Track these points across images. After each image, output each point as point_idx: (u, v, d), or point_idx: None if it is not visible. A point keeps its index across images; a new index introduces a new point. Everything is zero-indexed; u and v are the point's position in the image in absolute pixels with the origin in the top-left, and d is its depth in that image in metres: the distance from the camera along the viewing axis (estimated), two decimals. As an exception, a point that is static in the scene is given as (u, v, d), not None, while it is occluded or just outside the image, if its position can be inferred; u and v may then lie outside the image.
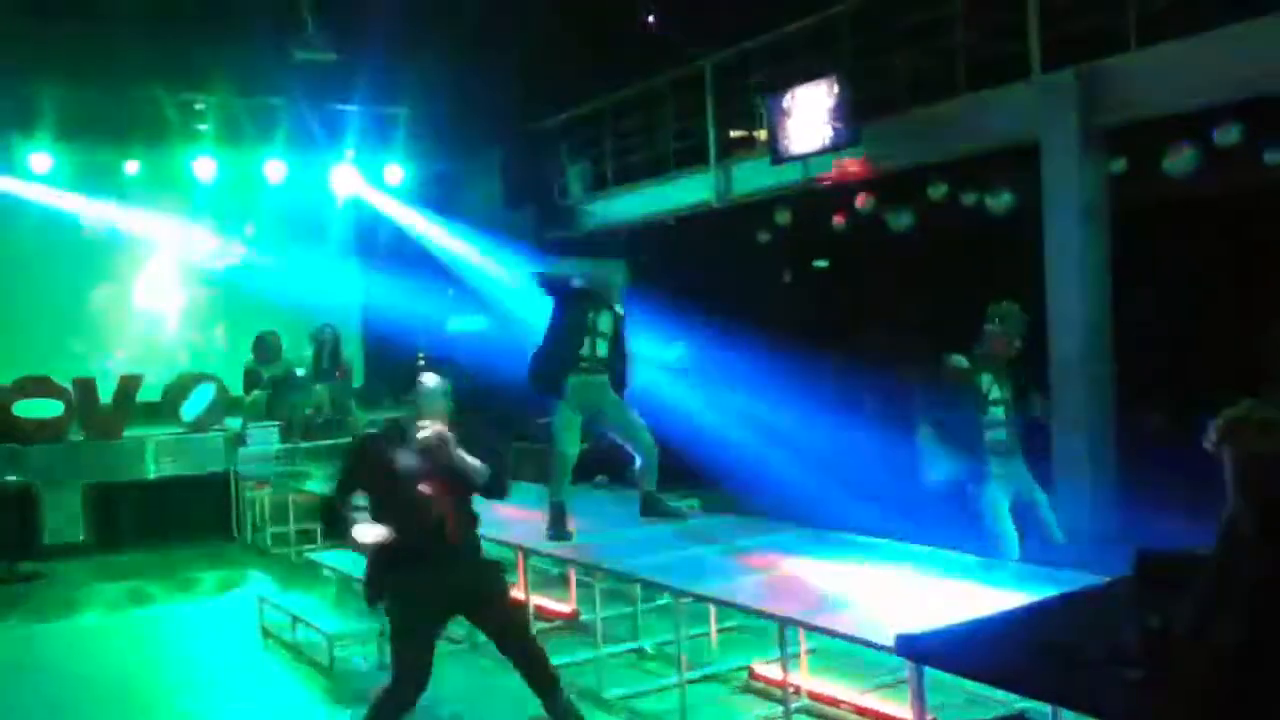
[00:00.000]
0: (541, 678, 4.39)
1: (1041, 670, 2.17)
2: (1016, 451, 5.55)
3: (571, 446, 6.02)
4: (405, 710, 4.23)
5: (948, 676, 3.66)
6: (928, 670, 3.29)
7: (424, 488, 4.29)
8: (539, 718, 4.45)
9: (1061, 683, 2.14)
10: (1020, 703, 4.09)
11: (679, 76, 10.85)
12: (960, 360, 5.52)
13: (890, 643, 2.99)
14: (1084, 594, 2.87)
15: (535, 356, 6.03)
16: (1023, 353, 5.68)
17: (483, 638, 6.15)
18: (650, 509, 6.08)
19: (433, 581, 4.28)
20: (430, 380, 4.48)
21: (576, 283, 5.95)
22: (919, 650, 2.45)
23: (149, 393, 10.45)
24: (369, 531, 4.26)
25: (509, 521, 6.47)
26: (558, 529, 5.81)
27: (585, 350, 5.92)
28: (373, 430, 4.69)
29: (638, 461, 6.09)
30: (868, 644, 3.55)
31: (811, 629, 4.15)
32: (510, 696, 5.35)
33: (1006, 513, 5.38)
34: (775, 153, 9.37)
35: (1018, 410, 5.58)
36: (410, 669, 4.23)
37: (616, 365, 6.04)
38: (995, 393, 5.52)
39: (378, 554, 4.36)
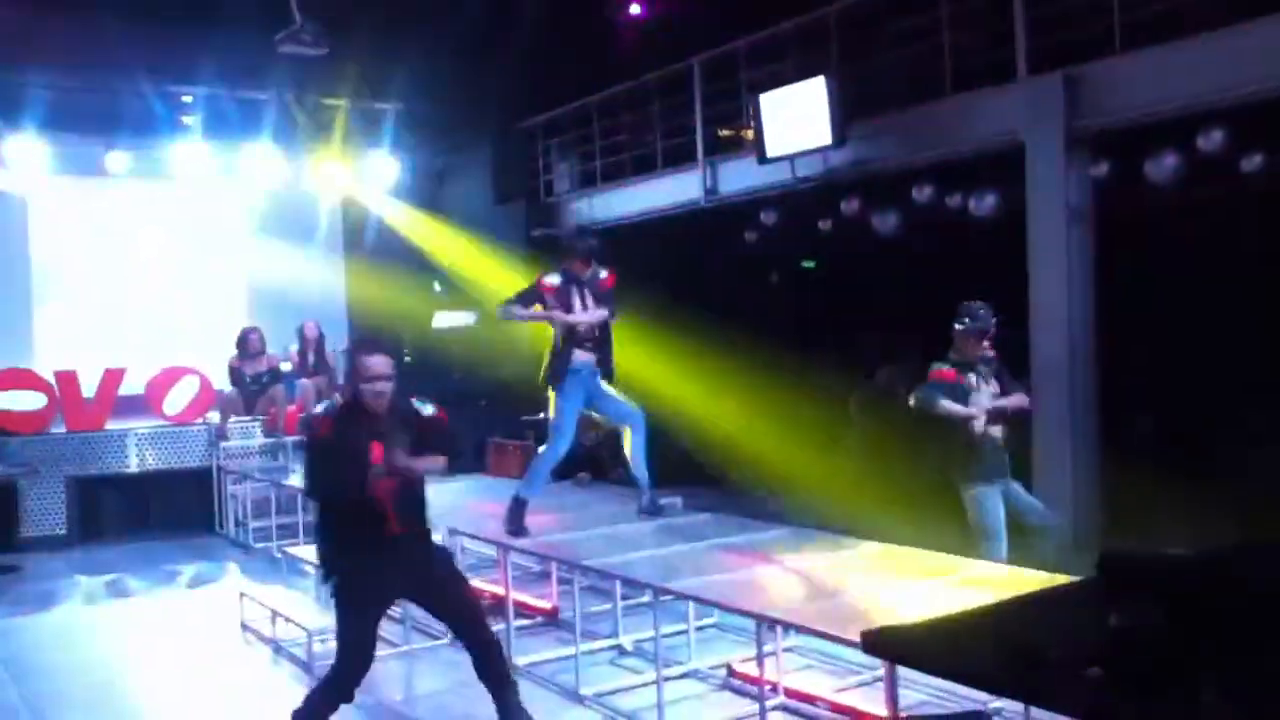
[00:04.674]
0: (490, 673, 4.38)
1: (1006, 668, 2.17)
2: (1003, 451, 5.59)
3: (564, 442, 6.04)
4: (344, 694, 4.25)
5: (926, 676, 3.68)
6: (906, 669, 3.30)
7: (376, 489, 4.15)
8: None
9: (1025, 680, 2.15)
10: (994, 702, 4.12)
11: (667, 74, 10.86)
12: (943, 367, 5.55)
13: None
14: (1051, 593, 2.89)
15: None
16: (996, 349, 5.70)
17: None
18: (645, 510, 6.13)
19: (374, 570, 4.24)
20: (377, 362, 4.19)
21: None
22: (884, 646, 2.46)
23: (131, 386, 10.40)
24: None
25: (489, 517, 6.48)
26: (516, 525, 5.84)
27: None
28: (322, 410, 4.37)
29: (627, 449, 6.11)
30: (838, 640, 3.57)
31: (785, 625, 4.16)
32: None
33: (1000, 513, 5.40)
34: (762, 152, 9.39)
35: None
36: (351, 652, 4.25)
37: (604, 345, 6.06)
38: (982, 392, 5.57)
39: (327, 536, 4.34)
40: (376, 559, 4.23)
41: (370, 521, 4.20)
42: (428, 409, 4.37)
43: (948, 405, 5.43)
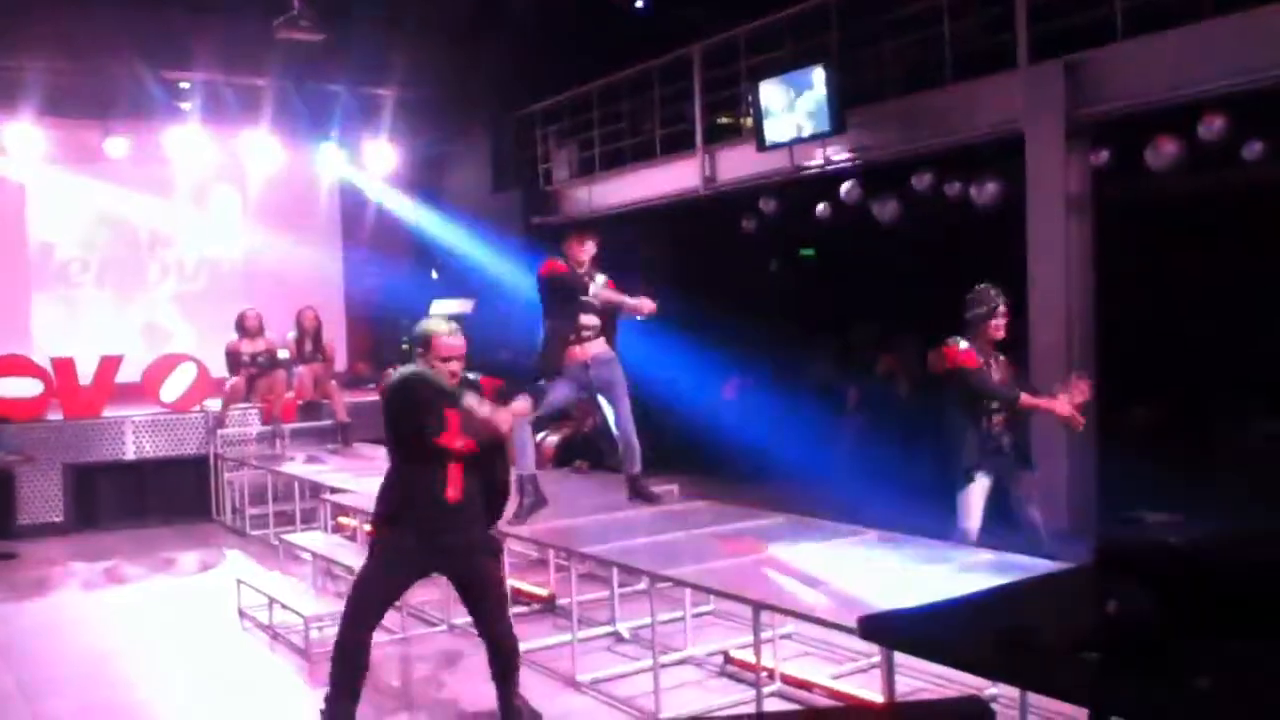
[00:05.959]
0: (498, 668, 4.44)
1: (1003, 654, 2.17)
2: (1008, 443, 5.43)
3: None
4: (360, 646, 4.31)
5: (923, 662, 3.68)
6: (903, 655, 3.29)
7: (447, 439, 4.19)
8: None
9: (1022, 666, 2.14)
10: (991, 688, 4.12)
11: (667, 62, 10.83)
12: (965, 344, 5.34)
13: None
14: (1048, 580, 2.89)
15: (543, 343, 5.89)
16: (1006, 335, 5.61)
17: (460, 619, 6.22)
18: (635, 493, 6.09)
19: (415, 541, 4.30)
20: (458, 343, 4.33)
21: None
22: (881, 632, 2.46)
23: (128, 373, 10.38)
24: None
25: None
26: (535, 497, 5.79)
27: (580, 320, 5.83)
28: (414, 373, 4.37)
29: (619, 447, 6.08)
30: (835, 627, 3.57)
31: (781, 611, 4.16)
32: (485, 677, 5.37)
33: (979, 508, 5.32)
34: (761, 140, 9.37)
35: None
36: (359, 606, 4.33)
37: (612, 335, 5.95)
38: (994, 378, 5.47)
39: (387, 494, 4.40)
40: (424, 523, 4.28)
41: (432, 481, 4.26)
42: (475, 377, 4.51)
43: (1031, 400, 5.34)
